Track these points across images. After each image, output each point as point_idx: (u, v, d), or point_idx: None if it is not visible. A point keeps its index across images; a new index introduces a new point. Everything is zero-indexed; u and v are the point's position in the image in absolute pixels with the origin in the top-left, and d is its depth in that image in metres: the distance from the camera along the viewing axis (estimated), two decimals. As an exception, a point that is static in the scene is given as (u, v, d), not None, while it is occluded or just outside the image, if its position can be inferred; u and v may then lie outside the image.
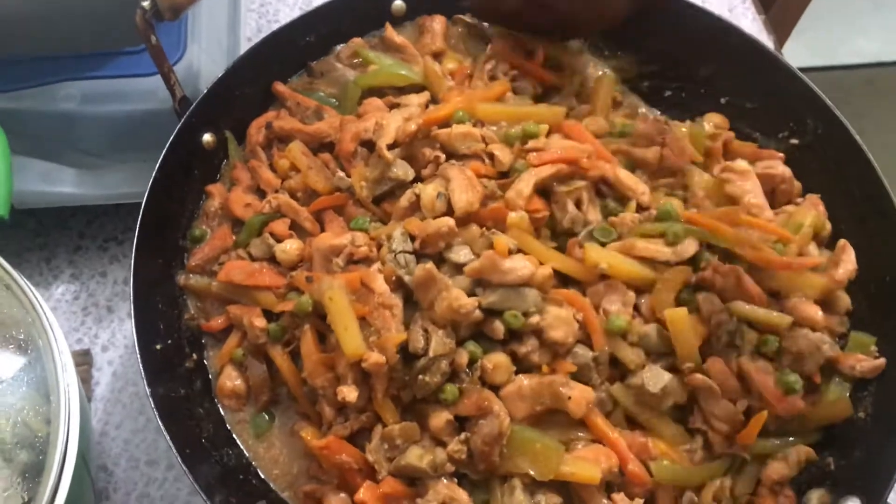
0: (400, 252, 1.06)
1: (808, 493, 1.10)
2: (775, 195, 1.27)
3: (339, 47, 1.39)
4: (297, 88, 1.36)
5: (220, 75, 1.26)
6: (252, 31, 1.70)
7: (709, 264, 1.10)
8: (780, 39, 1.82)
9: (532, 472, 1.02)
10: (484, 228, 1.11)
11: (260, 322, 1.13)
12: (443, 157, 1.16)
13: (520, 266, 1.06)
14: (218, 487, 1.04)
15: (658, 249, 1.11)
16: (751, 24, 1.77)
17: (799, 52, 3.81)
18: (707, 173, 1.25)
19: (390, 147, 1.16)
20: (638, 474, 1.06)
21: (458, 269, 1.08)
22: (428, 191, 1.10)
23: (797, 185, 1.29)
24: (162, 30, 1.34)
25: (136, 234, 1.13)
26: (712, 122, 1.35)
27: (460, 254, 1.08)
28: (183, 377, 1.16)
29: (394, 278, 1.06)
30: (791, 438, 1.12)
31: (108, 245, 1.46)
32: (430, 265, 1.04)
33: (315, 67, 1.38)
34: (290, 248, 1.16)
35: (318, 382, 1.07)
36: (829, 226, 1.26)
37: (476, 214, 1.10)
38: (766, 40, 1.75)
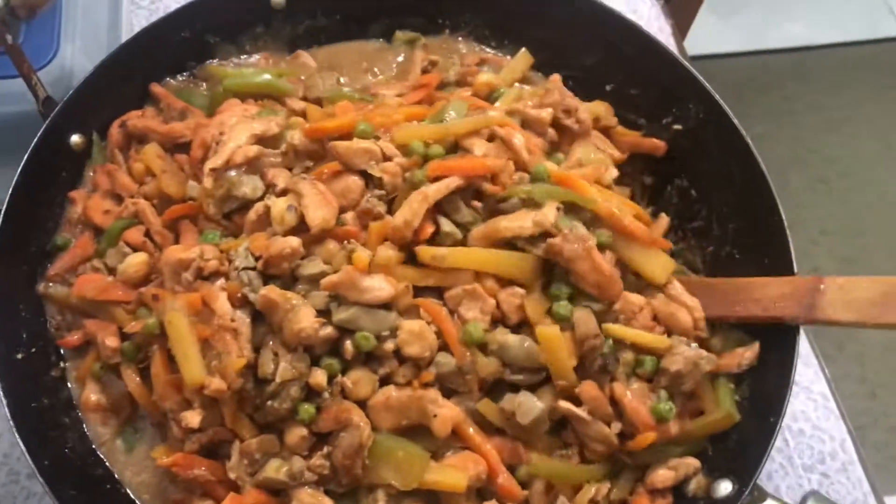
0: (243, 269, 1.02)
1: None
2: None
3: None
4: (179, 90, 1.33)
5: (87, 74, 1.22)
6: (141, 29, 1.66)
7: (560, 232, 1.05)
8: (681, 26, 1.82)
9: (395, 482, 0.99)
10: (345, 241, 1.06)
11: (112, 342, 1.09)
12: (281, 184, 1.10)
13: (378, 286, 1.01)
14: (80, 499, 1.01)
15: (520, 226, 1.06)
16: (649, 10, 1.77)
17: (730, 37, 3.87)
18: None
19: (222, 169, 1.10)
20: (509, 489, 1.04)
21: (314, 283, 1.03)
22: (279, 204, 1.06)
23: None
24: (32, 29, 1.31)
25: (-4, 239, 1.09)
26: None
27: (310, 266, 1.03)
28: (48, 387, 1.13)
29: (239, 295, 1.02)
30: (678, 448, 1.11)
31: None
32: (268, 290, 1.00)
33: (198, 73, 1.36)
34: (131, 263, 1.11)
35: (167, 405, 1.03)
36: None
37: (332, 232, 1.06)
38: (665, 26, 1.75)
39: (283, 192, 1.09)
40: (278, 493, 1.02)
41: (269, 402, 0.99)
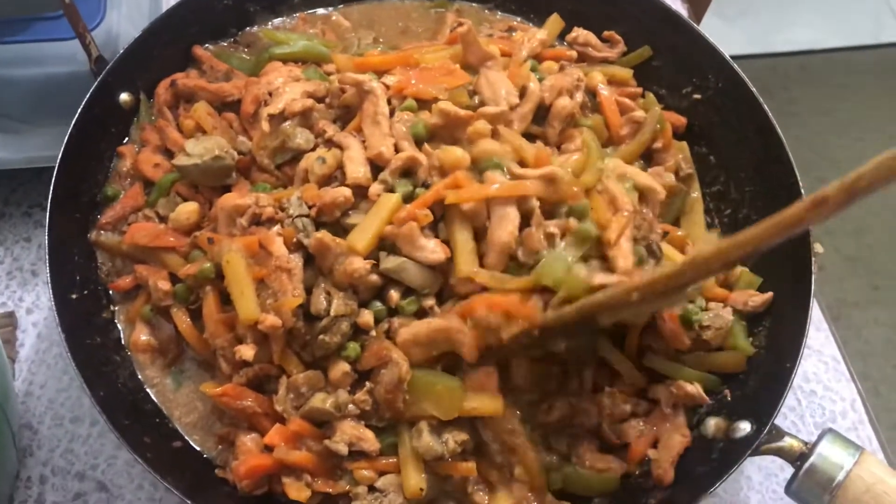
0: (297, 216, 1.07)
1: (706, 420, 1.16)
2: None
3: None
4: (219, 52, 1.39)
5: (136, 36, 1.28)
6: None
7: None
8: (697, 11, 1.88)
9: (436, 413, 1.04)
10: None
11: (164, 285, 1.14)
12: (330, 131, 1.16)
13: (432, 249, 1.06)
14: (133, 429, 1.06)
15: None
16: (666, -6, 1.83)
17: (736, 41, 3.93)
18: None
19: (279, 117, 1.16)
20: (529, 314, 1.02)
21: None
22: (311, 157, 1.12)
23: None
24: (81, -5, 1.36)
25: (52, 187, 1.15)
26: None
27: (357, 217, 1.08)
28: (100, 326, 1.18)
29: (294, 240, 1.07)
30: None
31: (32, 211, 1.47)
32: (321, 234, 1.05)
33: (241, 39, 1.42)
34: (182, 211, 1.17)
35: (218, 343, 1.08)
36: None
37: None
38: (681, 10, 1.81)
39: (331, 142, 1.15)
40: (321, 425, 1.07)
41: (321, 336, 1.04)
